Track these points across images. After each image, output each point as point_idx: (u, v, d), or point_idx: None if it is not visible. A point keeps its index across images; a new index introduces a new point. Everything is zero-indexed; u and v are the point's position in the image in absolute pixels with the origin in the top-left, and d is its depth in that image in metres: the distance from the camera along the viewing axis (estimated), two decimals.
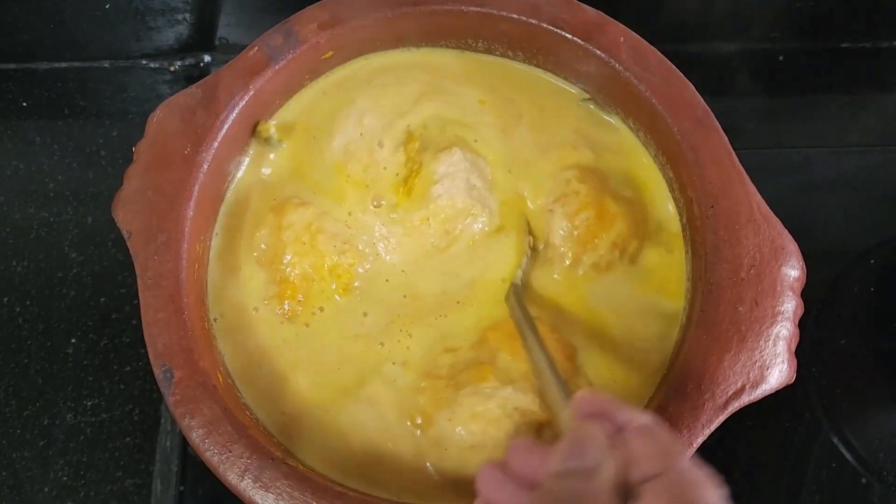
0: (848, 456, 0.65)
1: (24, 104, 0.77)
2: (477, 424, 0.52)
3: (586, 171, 0.59)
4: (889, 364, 0.69)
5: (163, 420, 0.66)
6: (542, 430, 0.53)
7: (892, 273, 0.71)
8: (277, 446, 0.50)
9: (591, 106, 0.62)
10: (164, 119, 0.55)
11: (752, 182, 0.55)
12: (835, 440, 0.65)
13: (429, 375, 0.55)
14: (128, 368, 0.67)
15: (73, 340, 0.68)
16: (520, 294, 0.55)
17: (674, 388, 0.50)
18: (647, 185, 0.60)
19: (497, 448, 0.52)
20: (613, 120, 0.62)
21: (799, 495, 0.65)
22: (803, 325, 0.52)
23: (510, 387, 0.53)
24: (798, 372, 0.51)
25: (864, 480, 0.65)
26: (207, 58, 0.79)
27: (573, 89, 0.63)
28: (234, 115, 0.56)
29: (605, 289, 0.58)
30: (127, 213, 0.53)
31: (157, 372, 0.50)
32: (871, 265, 0.71)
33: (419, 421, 0.54)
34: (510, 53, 0.63)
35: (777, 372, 0.50)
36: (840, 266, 0.71)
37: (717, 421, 0.49)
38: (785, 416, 0.66)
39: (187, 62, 0.79)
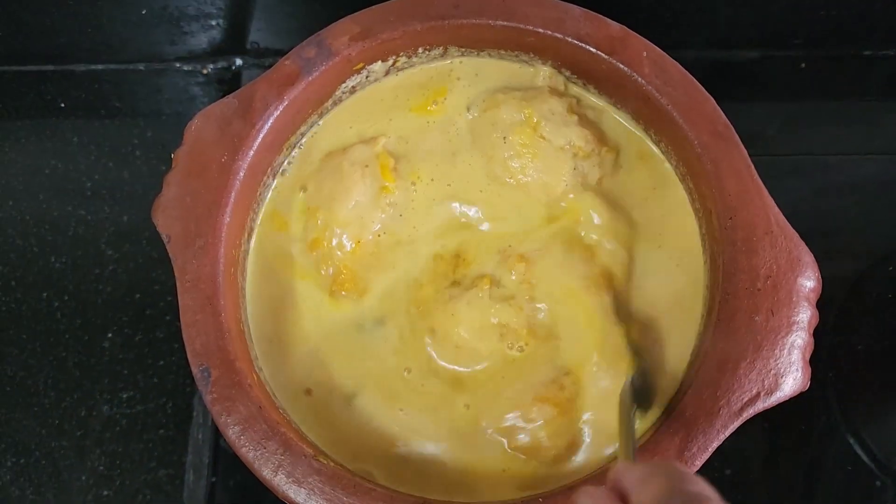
0: (864, 458, 0.66)
1: (62, 105, 0.78)
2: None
3: None
4: None
5: (195, 413, 0.68)
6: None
7: None
8: (309, 444, 0.52)
9: None
10: (201, 127, 0.57)
11: (773, 188, 0.55)
12: (851, 442, 0.66)
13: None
14: (161, 363, 0.69)
15: (109, 335, 0.70)
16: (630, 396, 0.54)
17: (691, 394, 0.51)
18: None
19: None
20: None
21: (814, 497, 0.65)
22: (821, 328, 0.53)
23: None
24: (815, 375, 0.52)
25: (878, 483, 0.65)
26: (239, 61, 0.80)
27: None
28: (270, 124, 0.57)
29: None
30: (166, 218, 0.55)
31: (195, 371, 0.52)
32: (890, 271, 0.72)
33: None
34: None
35: (791, 380, 0.51)
36: (858, 271, 0.71)
37: (732, 426, 0.50)
38: (801, 419, 0.67)
39: (219, 65, 0.80)
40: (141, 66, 0.80)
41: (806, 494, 0.66)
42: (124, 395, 0.68)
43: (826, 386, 0.67)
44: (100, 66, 0.80)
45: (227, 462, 0.66)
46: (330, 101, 0.63)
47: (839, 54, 0.79)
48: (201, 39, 0.79)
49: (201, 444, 0.67)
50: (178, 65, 0.80)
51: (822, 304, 0.53)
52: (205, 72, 0.80)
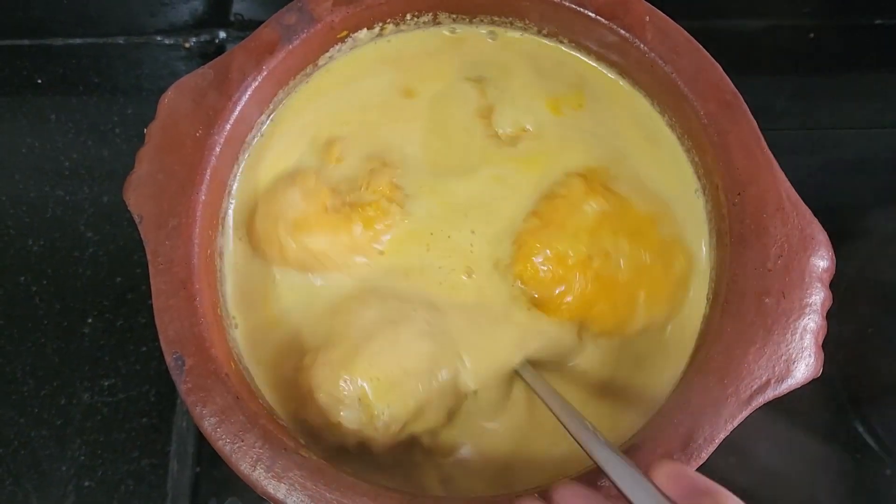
0: (872, 445, 0.64)
1: (39, 81, 0.77)
2: None
3: None
4: None
5: (179, 401, 0.66)
6: None
7: None
8: (290, 437, 0.50)
9: None
10: (175, 100, 0.54)
11: (781, 163, 0.53)
12: (859, 430, 0.65)
13: None
14: (144, 349, 0.67)
15: (89, 320, 0.68)
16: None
17: (696, 382, 0.49)
18: None
19: None
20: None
21: (821, 486, 0.64)
22: (829, 311, 0.51)
23: None
24: (824, 360, 0.50)
25: (888, 471, 0.64)
26: (222, 34, 0.78)
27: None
28: (247, 96, 0.55)
29: None
30: (138, 197, 0.52)
31: (168, 359, 0.50)
32: None
33: None
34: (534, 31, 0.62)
35: (804, 366, 0.49)
36: (868, 250, 0.70)
37: (740, 416, 0.48)
38: (809, 405, 0.65)
39: (202, 38, 0.78)
40: (120, 40, 0.78)
41: (813, 483, 0.65)
42: (105, 383, 0.67)
43: (835, 370, 0.66)
44: (78, 40, 0.78)
45: (211, 451, 0.63)
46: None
47: (849, 24, 0.78)
48: (182, 11, 0.77)
49: (186, 433, 0.65)
50: (158, 38, 0.78)
51: (832, 285, 0.52)
52: (187, 45, 0.78)
